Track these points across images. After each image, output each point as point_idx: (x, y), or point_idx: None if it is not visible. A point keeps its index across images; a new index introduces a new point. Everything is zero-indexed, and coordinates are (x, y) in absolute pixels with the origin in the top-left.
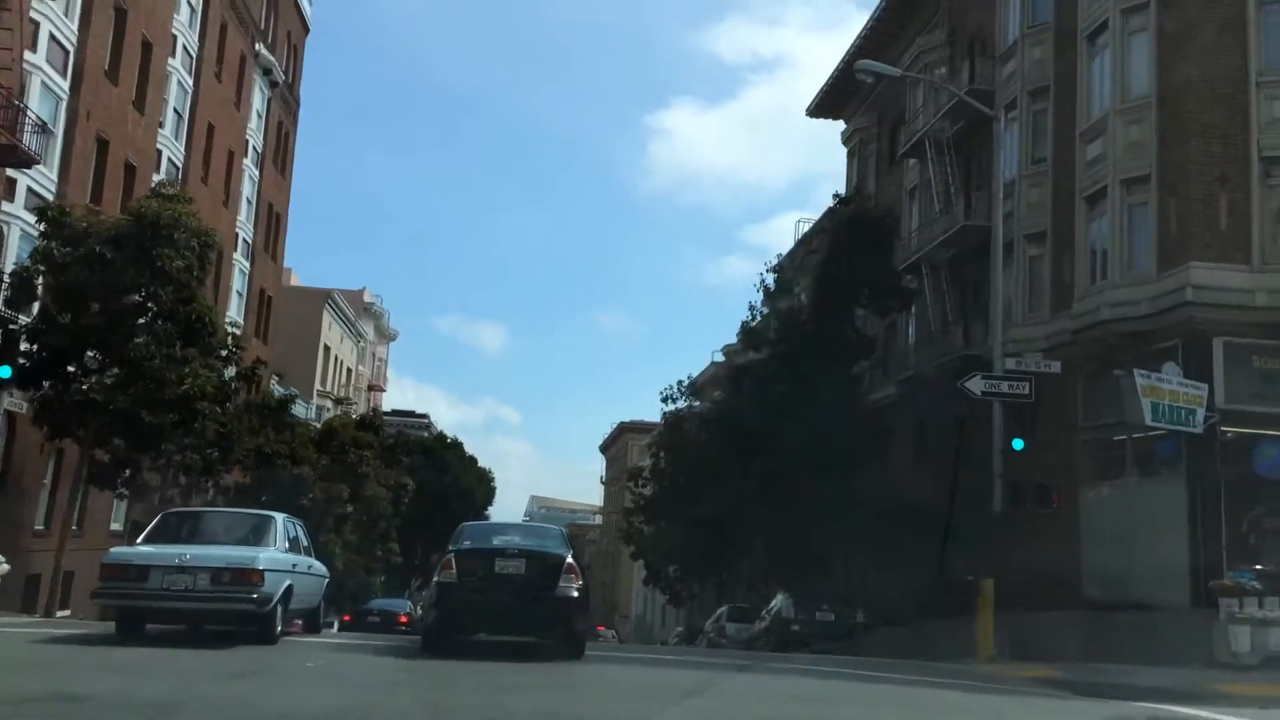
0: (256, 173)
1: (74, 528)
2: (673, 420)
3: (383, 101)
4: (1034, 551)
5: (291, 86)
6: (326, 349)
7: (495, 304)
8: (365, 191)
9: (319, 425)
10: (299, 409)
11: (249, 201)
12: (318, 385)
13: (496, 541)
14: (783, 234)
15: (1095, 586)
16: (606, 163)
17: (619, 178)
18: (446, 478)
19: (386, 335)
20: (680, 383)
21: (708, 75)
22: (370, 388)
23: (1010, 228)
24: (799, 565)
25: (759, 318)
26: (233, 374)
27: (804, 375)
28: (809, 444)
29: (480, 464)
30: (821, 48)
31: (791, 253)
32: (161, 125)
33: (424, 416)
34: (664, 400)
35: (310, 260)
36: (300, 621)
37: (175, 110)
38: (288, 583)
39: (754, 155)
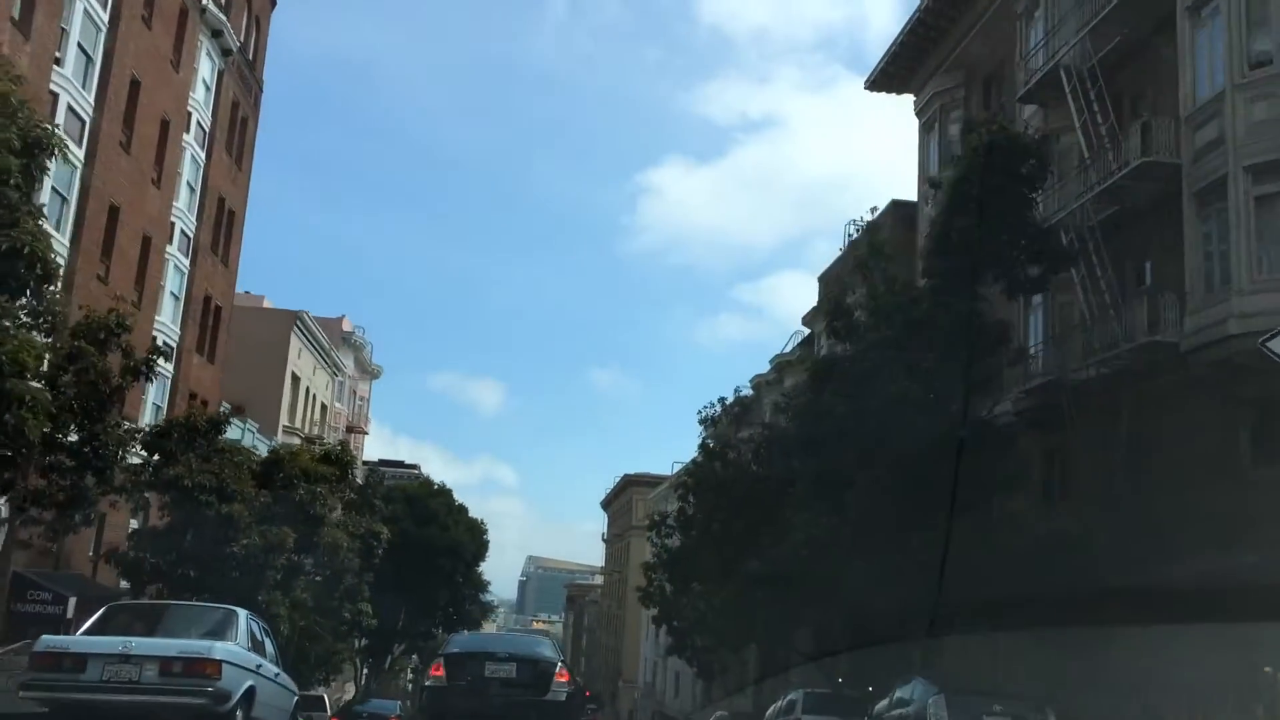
0: (202, 155)
1: None
2: (715, 449)
3: (373, 159)
4: None
5: (253, 65)
6: (295, 379)
7: (492, 362)
8: (359, 246)
9: (260, 455)
10: (257, 443)
11: (191, 187)
12: (284, 420)
13: (487, 646)
14: (774, 291)
15: None
16: (598, 222)
17: (610, 237)
18: (432, 528)
19: (369, 371)
20: (723, 400)
21: (698, 134)
22: (350, 429)
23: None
24: (905, 637)
25: (847, 294)
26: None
27: (920, 371)
28: (933, 467)
29: (472, 514)
30: (811, 107)
31: (840, 259)
32: (59, 62)
33: (414, 467)
34: (703, 423)
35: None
36: None
37: (81, 46)
38: (249, 683)
39: (745, 213)
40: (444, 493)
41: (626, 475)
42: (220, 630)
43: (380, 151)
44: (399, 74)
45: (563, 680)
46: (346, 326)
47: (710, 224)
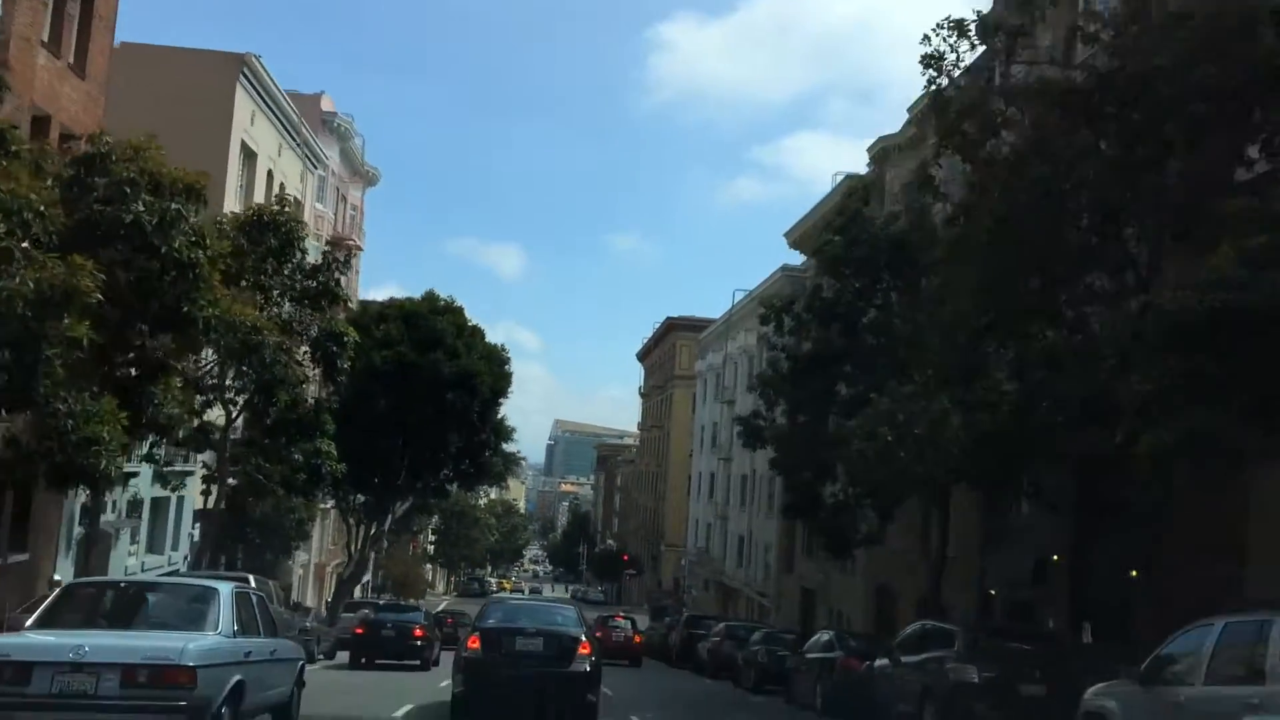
0: None
1: None
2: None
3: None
4: None
5: None
6: (249, 153)
7: (509, 226)
8: (368, 109)
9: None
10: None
11: None
12: (232, 205)
13: (519, 622)
14: (795, 153)
15: None
16: (608, 82)
17: (621, 96)
18: (437, 354)
19: (362, 173)
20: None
21: None
22: (336, 240)
23: None
24: None
25: None
26: None
27: None
28: None
29: (490, 339)
30: None
31: None
32: None
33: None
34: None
35: None
36: None
37: None
38: (237, 678)
39: (759, 69)
40: (453, 310)
41: (670, 318)
42: (198, 618)
43: (383, 11)
44: None
45: (585, 652)
46: (327, 106)
47: (723, 80)
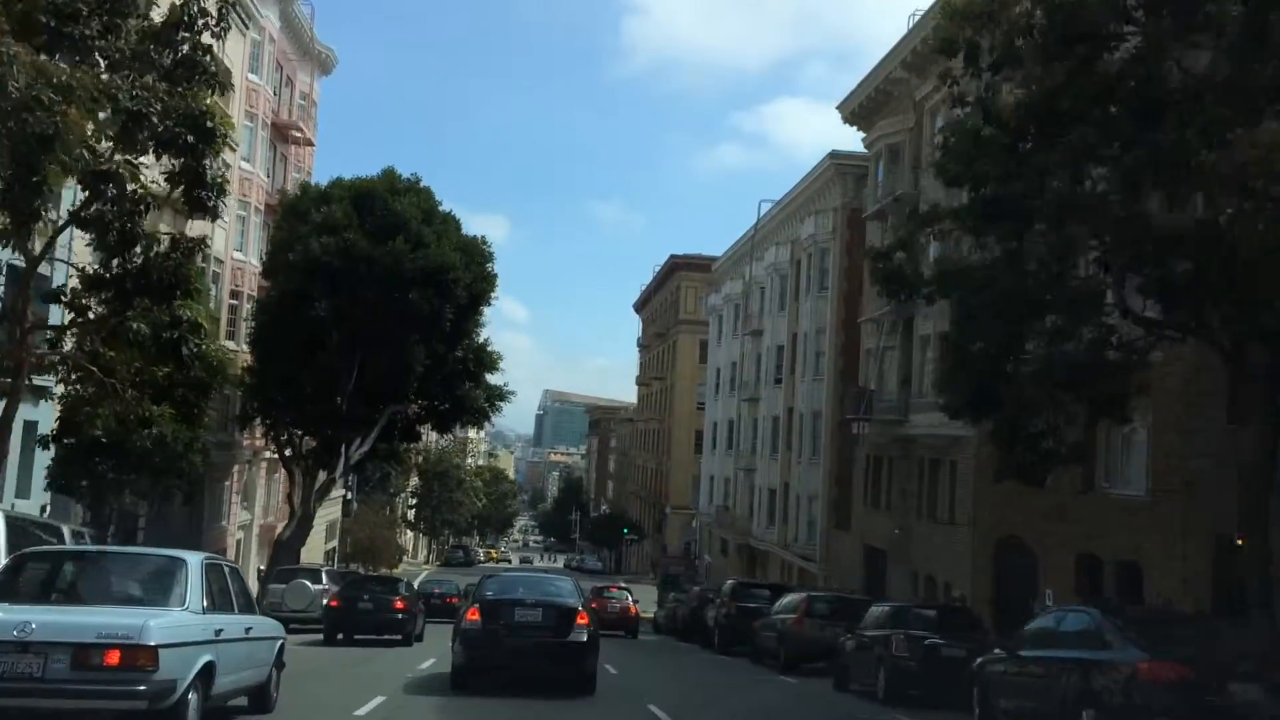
0: None
1: None
2: None
3: None
4: None
5: None
6: None
7: (490, 196)
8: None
9: None
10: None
11: None
12: None
13: (517, 593)
14: (776, 119)
15: None
16: (582, 46)
17: (596, 61)
18: (398, 244)
19: (313, 55)
20: None
21: None
22: (280, 128)
23: None
24: None
25: None
26: None
27: None
28: None
29: (466, 232)
30: None
31: None
32: None
33: None
34: None
35: None
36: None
37: None
38: (206, 659)
39: (736, 34)
40: (418, 191)
41: (674, 257)
42: (163, 592)
43: None
44: None
45: (582, 623)
46: None
47: (699, 46)
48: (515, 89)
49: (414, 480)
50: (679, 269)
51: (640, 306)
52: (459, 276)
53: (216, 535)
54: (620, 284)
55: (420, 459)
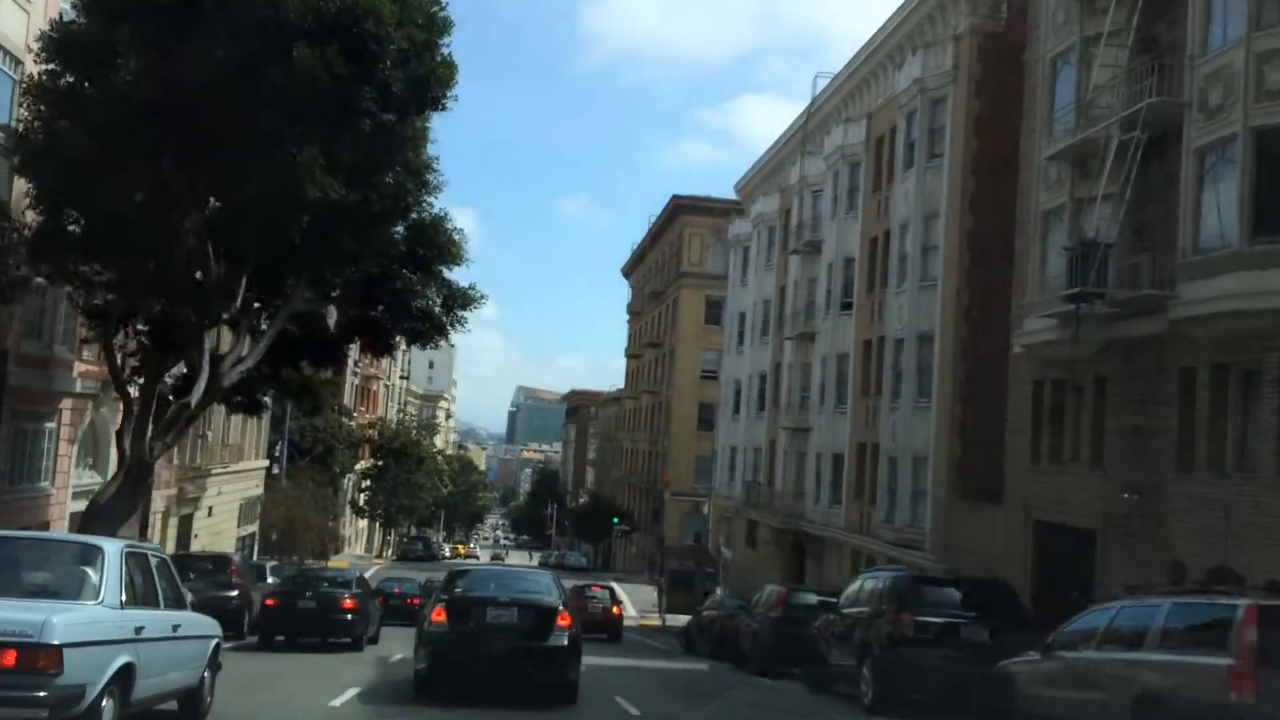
0: None
1: None
2: None
3: None
4: None
5: None
6: None
7: (460, 190)
8: None
9: None
10: None
11: None
12: None
13: (490, 591)
14: (741, 114)
15: None
16: (539, 37)
17: (555, 53)
18: None
19: None
20: None
21: None
22: None
23: None
24: None
25: None
26: None
27: None
28: None
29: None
30: None
31: None
32: None
33: None
34: None
35: None
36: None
37: None
38: (124, 659)
39: (697, 28)
40: None
41: (676, 198)
42: (72, 584)
43: None
44: None
45: (564, 624)
46: None
47: (661, 38)
48: (475, 78)
49: (365, 463)
50: (682, 212)
51: (630, 270)
52: (388, 33)
53: (28, 504)
54: (588, 286)
55: (374, 432)
